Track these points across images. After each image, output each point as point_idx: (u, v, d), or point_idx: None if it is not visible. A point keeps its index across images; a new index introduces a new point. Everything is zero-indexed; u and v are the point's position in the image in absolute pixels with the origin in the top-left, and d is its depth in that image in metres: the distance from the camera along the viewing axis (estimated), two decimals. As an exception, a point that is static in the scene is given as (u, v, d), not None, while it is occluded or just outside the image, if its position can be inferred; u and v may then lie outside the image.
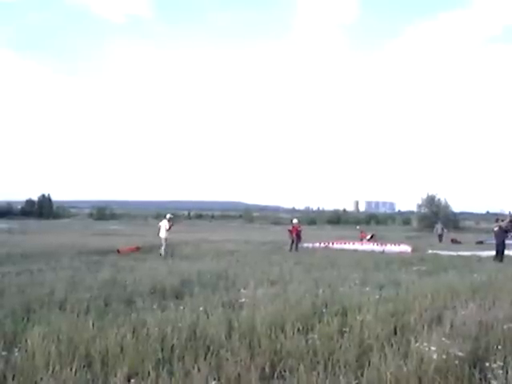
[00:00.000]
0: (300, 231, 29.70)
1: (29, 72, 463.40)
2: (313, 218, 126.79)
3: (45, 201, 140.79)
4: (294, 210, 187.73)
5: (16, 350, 6.34)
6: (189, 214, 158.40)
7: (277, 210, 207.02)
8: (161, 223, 26.34)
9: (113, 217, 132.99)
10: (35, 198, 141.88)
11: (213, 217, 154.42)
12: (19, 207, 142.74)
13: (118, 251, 24.64)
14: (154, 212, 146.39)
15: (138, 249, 26.37)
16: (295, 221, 31.43)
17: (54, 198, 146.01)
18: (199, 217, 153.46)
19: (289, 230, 30.19)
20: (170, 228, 25.64)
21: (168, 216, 27.04)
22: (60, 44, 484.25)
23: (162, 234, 25.43)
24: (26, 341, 6.60)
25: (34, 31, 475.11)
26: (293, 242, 28.87)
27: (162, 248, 24.52)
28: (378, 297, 9.93)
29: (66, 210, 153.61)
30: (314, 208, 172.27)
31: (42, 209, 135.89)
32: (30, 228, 61.15)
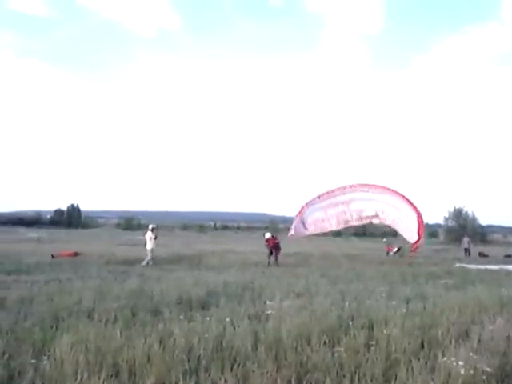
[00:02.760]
0: (278, 243, 27.93)
1: (62, 85, 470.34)
2: (338, 230, 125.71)
3: (73, 210, 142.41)
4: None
5: (45, 358, 6.42)
6: (215, 225, 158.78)
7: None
8: (146, 235, 26.21)
9: (139, 227, 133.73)
10: (64, 207, 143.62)
11: (238, 228, 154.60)
12: (48, 216, 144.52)
13: (53, 256, 24.72)
14: (180, 223, 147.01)
15: (75, 254, 26.18)
16: (267, 235, 29.40)
17: (82, 207, 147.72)
18: (225, 228, 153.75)
19: (266, 242, 28.53)
20: (155, 238, 25.54)
21: (151, 226, 26.87)
22: (91, 57, 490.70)
23: (148, 245, 25.39)
24: (55, 349, 6.68)
25: (68, 44, 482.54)
26: (271, 254, 27.35)
27: (147, 259, 24.55)
28: (404, 310, 9.85)
29: (94, 220, 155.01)
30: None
31: (70, 218, 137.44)
32: (59, 237, 61.81)
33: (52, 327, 8.33)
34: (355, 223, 25.23)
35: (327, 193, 20.32)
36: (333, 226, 23.81)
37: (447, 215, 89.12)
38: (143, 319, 9.20)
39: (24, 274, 18.14)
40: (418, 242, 16.90)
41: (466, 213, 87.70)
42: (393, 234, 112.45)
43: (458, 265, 27.66)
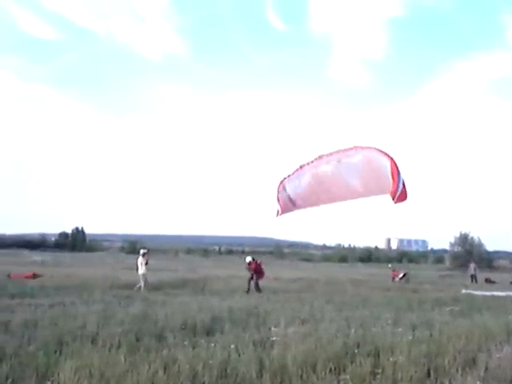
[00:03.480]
0: (260, 267, 26.70)
1: (67, 109, 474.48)
2: (344, 256, 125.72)
3: (78, 233, 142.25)
4: (324, 247, 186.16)
5: (48, 383, 6.41)
6: (219, 249, 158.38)
7: (307, 246, 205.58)
8: (137, 260, 25.90)
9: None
10: (69, 230, 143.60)
11: (243, 252, 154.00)
12: (53, 239, 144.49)
13: (9, 276, 24.48)
14: (184, 247, 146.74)
15: (34, 276, 25.76)
16: (248, 259, 27.96)
17: (87, 230, 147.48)
18: (230, 252, 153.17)
19: (248, 266, 27.21)
20: (146, 263, 25.38)
21: (142, 251, 26.50)
22: (98, 81, 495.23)
23: (140, 270, 25.17)
24: (59, 374, 6.66)
25: (74, 69, 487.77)
26: (251, 279, 26.00)
27: (140, 284, 24.40)
28: (410, 338, 9.77)
29: (99, 243, 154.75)
30: (346, 245, 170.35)
31: (75, 241, 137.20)
32: (63, 260, 61.78)
33: (56, 352, 8.30)
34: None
35: (306, 164, 19.18)
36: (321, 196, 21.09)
37: (453, 241, 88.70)
38: (147, 345, 9.16)
39: (28, 298, 18.12)
40: (395, 187, 15.53)
41: (472, 238, 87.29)
42: (398, 259, 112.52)
43: (464, 291, 27.51)
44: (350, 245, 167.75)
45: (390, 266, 55.95)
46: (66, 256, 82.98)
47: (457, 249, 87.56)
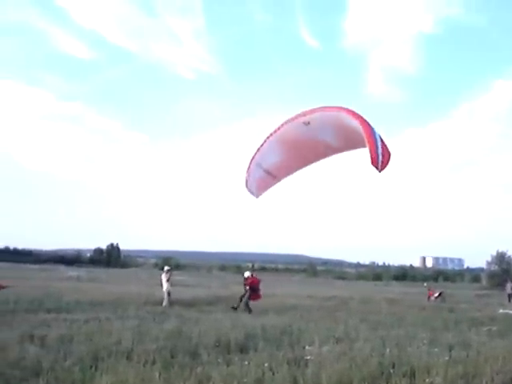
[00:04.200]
0: (257, 284, 24.47)
1: (101, 126, 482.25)
2: (378, 274, 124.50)
3: (113, 249, 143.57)
4: (358, 265, 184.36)
5: (85, 398, 6.45)
6: (252, 266, 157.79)
7: (341, 264, 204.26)
8: (161, 276, 25.99)
9: (178, 267, 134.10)
10: (104, 246, 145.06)
11: (276, 270, 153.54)
12: (88, 255, 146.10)
13: None
14: (218, 263, 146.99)
15: (1, 287, 24.18)
16: (247, 273, 25.44)
17: (121, 247, 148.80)
18: (263, 269, 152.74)
19: (244, 281, 24.85)
20: (168, 279, 25.30)
21: (166, 268, 26.64)
22: (132, 99, 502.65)
23: (164, 286, 25.20)
24: (95, 390, 6.72)
25: (109, 87, 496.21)
26: (244, 295, 23.82)
27: (164, 301, 24.35)
28: (447, 358, 9.63)
29: (133, 259, 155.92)
30: (380, 263, 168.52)
31: (109, 257, 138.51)
32: (98, 276, 62.31)
33: (91, 367, 8.38)
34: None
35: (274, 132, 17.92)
36: (298, 161, 18.77)
37: (490, 259, 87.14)
38: (182, 361, 9.19)
39: (64, 313, 18.32)
40: (375, 155, 13.08)
41: (510, 257, 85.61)
42: (434, 278, 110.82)
43: (501, 311, 27.00)
44: (384, 263, 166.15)
45: (425, 284, 55.12)
46: (101, 272, 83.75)
47: (493, 267, 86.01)
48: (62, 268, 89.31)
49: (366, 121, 14.07)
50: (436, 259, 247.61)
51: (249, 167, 18.12)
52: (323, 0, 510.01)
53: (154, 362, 8.96)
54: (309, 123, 16.06)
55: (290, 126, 16.71)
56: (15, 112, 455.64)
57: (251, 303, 23.37)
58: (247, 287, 23.97)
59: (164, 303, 23.90)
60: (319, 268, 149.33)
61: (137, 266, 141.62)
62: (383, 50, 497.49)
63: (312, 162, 17.75)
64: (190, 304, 24.62)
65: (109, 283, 45.57)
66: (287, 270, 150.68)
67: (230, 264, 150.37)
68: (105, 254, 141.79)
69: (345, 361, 9.07)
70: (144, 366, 8.54)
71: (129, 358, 9.50)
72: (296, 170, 18.27)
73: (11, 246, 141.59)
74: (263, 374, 7.86)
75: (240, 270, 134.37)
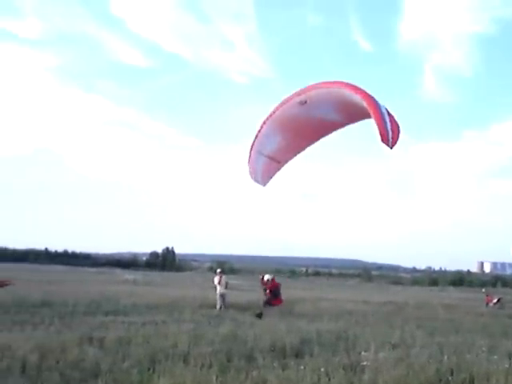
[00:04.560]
0: (276, 288, 23.57)
1: (157, 132, 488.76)
2: (435, 279, 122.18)
3: (168, 253, 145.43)
4: (414, 270, 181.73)
5: (143, 400, 6.53)
6: (306, 270, 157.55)
7: (396, 269, 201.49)
8: (214, 279, 25.80)
9: (232, 271, 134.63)
10: (159, 250, 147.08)
11: (330, 274, 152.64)
12: (144, 259, 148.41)
13: None
14: (271, 268, 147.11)
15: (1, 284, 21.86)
16: (267, 276, 24.30)
17: (177, 250, 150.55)
18: (317, 274, 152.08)
19: (263, 285, 24.03)
20: (219, 282, 25.00)
21: (218, 271, 26.56)
22: (187, 105, 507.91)
23: (217, 289, 25.07)
24: (153, 392, 6.78)
25: (164, 94, 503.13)
26: (267, 300, 22.97)
27: (218, 304, 24.24)
28: (507, 366, 9.36)
29: (188, 263, 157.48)
30: (436, 268, 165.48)
31: (165, 261, 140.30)
32: (154, 280, 63.15)
33: (149, 369, 8.49)
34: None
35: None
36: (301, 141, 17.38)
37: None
38: (238, 365, 9.21)
39: (121, 315, 18.63)
40: (384, 130, 11.54)
41: None
42: (492, 283, 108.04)
43: None
44: (440, 268, 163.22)
45: (483, 290, 53.79)
46: (157, 275, 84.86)
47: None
48: (118, 271, 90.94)
49: (369, 95, 13.04)
50: (494, 264, 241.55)
51: (250, 156, 17.54)
52: (376, 1, 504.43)
53: (210, 366, 9.01)
54: (305, 102, 15.18)
55: (285, 107, 16.00)
56: (74, 118, 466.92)
57: (273, 308, 22.81)
58: (267, 291, 23.37)
59: (218, 306, 23.99)
60: (374, 273, 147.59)
61: (191, 269, 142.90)
62: (438, 51, 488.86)
63: (315, 141, 16.91)
64: (244, 308, 24.66)
65: (164, 287, 46.13)
66: (341, 275, 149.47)
67: (283, 268, 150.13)
68: (160, 258, 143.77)
69: (402, 367, 8.92)
70: (200, 369, 8.60)
71: (185, 361, 9.57)
72: (299, 151, 17.38)
73: (70, 250, 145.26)
74: (319, 379, 7.81)
75: (294, 274, 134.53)
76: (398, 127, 12.44)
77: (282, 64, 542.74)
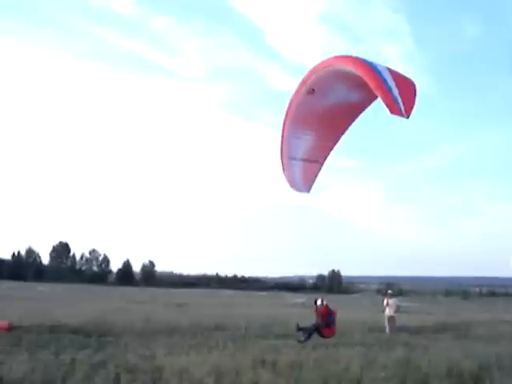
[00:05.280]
0: (329, 314, 18.73)
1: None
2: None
3: (335, 276, 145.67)
4: None
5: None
6: (480, 291, 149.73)
7: None
8: (383, 301, 24.91)
9: (400, 293, 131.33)
10: (325, 273, 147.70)
11: (506, 294, 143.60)
12: (310, 281, 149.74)
13: None
14: (442, 289, 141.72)
15: (9, 329, 18.07)
16: (319, 301, 19.22)
17: (343, 273, 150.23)
18: (492, 294, 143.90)
19: (316, 309, 19.14)
20: (387, 304, 24.05)
21: (389, 292, 25.83)
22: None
23: (385, 311, 24.15)
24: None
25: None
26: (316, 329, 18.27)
27: (387, 327, 23.45)
28: None
29: (355, 285, 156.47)
30: None
31: (331, 283, 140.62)
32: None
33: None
34: None
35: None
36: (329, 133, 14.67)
37: None
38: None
39: (292, 339, 18.81)
40: (390, 99, 8.81)
41: None
42: None
43: None
44: None
45: None
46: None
47: None
48: (286, 294, 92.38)
49: (360, 60, 11.02)
50: None
51: (282, 165, 15.87)
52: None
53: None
54: (313, 90, 13.43)
55: (297, 102, 14.32)
56: (233, 145, 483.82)
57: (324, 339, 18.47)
58: (320, 317, 18.76)
59: (387, 329, 23.48)
60: None
61: (358, 291, 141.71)
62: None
63: (345, 127, 14.89)
64: (416, 331, 23.96)
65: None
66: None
67: (455, 289, 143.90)
68: (326, 281, 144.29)
69: None
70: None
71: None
72: (334, 143, 15.49)
73: (239, 275, 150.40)
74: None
75: (466, 295, 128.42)
76: (410, 88, 10.30)
77: (442, 78, 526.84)
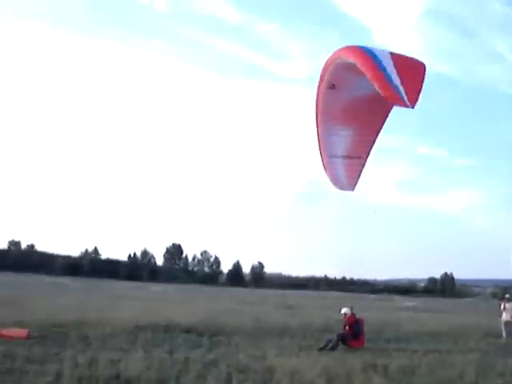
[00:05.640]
0: (356, 323, 17.92)
1: (424, 155, 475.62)
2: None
3: (447, 279, 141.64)
4: None
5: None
6: None
7: None
8: (500, 306, 23.72)
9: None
10: (437, 276, 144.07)
11: None
12: (422, 285, 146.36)
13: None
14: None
15: (27, 337, 17.05)
16: (343, 310, 18.41)
17: (456, 276, 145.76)
18: None
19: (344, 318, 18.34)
20: (504, 308, 22.95)
21: (506, 296, 24.13)
22: (455, 124, 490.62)
23: (502, 316, 23.04)
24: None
25: (431, 115, 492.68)
26: (342, 338, 17.44)
27: (503, 332, 22.34)
28: None
29: (469, 289, 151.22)
30: None
31: (444, 287, 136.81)
32: (434, 306, 61.60)
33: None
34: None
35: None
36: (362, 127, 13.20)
37: None
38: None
39: (403, 343, 18.56)
40: (391, 91, 7.68)
41: None
42: None
43: None
44: None
45: None
46: (436, 302, 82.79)
47: None
48: (397, 298, 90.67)
49: (359, 49, 10.31)
50: None
51: (324, 165, 14.94)
52: None
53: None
54: (333, 85, 12.29)
55: (322, 99, 13.22)
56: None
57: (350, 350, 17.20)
58: (347, 327, 17.94)
59: (503, 334, 22.53)
60: None
61: (473, 295, 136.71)
62: None
63: (381, 120, 13.46)
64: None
65: (445, 314, 44.75)
66: None
67: None
68: (439, 284, 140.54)
69: None
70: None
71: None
72: (374, 137, 14.12)
73: (348, 277, 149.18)
74: None
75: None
76: (416, 73, 9.47)
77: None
